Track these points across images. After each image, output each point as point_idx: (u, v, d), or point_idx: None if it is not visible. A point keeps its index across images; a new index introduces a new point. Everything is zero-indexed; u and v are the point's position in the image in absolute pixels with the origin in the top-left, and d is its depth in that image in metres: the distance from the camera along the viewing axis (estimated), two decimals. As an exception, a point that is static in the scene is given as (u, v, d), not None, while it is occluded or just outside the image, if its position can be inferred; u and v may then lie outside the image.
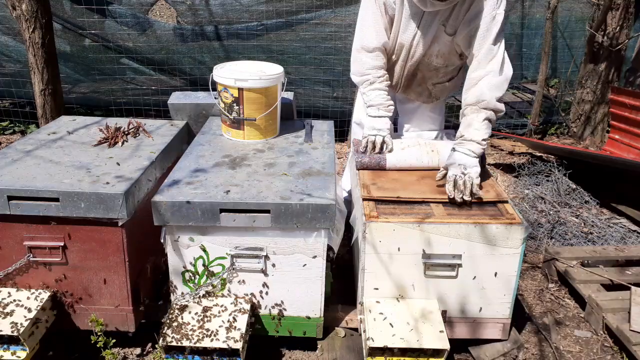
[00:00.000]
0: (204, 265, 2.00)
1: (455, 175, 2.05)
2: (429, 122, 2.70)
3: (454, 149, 2.16)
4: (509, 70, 2.18)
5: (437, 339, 1.88)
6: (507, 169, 4.17)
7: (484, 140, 2.12)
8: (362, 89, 2.42)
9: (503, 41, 2.16)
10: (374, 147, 2.33)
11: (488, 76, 2.14)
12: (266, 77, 2.31)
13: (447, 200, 2.07)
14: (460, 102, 2.23)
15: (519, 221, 1.96)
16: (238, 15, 4.47)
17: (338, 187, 2.12)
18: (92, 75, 4.72)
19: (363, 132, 2.43)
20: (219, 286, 2.03)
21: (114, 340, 1.99)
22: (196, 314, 1.94)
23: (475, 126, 2.13)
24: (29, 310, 1.90)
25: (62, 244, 1.94)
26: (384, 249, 1.98)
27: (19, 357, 1.84)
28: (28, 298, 1.96)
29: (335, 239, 2.00)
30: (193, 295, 2.01)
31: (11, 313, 1.88)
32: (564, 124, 4.99)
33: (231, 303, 2.00)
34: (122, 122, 2.54)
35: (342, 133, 4.43)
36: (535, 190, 3.57)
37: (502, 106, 2.16)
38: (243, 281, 2.02)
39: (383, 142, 2.33)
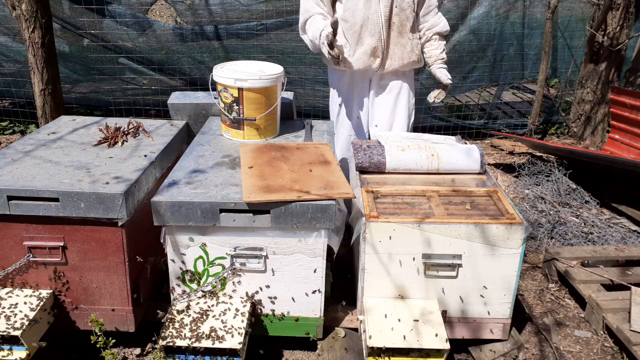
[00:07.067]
0: (204, 265, 2.00)
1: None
2: (401, 110, 2.83)
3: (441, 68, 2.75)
4: None
5: (437, 339, 1.88)
6: (507, 169, 4.17)
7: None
8: (309, 31, 2.63)
9: None
10: (331, 47, 2.49)
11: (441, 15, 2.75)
12: (266, 77, 2.31)
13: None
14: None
15: (519, 221, 1.96)
16: (238, 15, 4.47)
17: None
18: (92, 75, 4.72)
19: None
20: (219, 286, 2.03)
21: (113, 341, 1.99)
22: (196, 314, 1.94)
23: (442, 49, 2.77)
24: (29, 310, 1.90)
25: (62, 244, 1.94)
26: (384, 249, 1.98)
27: (19, 357, 1.84)
28: (28, 298, 1.96)
29: (335, 239, 2.00)
30: (193, 296, 2.01)
31: (11, 313, 1.88)
32: (564, 124, 4.98)
33: (231, 303, 2.00)
34: (122, 122, 2.54)
35: (342, 133, 4.42)
36: (536, 190, 3.57)
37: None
38: (243, 281, 2.02)
39: (331, 37, 2.44)
